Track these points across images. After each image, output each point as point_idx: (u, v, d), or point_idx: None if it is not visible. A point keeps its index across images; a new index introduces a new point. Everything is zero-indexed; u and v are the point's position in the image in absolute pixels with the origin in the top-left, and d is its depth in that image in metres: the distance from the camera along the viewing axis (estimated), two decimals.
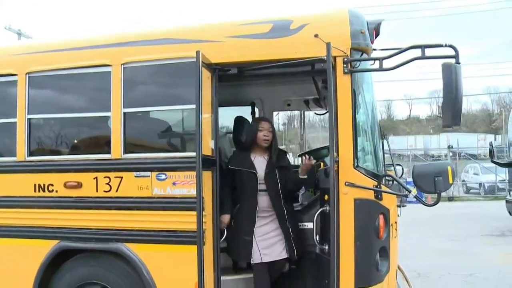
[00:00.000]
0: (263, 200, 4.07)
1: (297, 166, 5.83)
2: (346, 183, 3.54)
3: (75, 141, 4.43)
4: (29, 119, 4.25)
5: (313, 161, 4.08)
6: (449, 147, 27.01)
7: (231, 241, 4.13)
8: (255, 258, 4.00)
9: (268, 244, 4.03)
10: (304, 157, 4.10)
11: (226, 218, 4.08)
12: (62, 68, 4.23)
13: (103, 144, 4.15)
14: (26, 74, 4.25)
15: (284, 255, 4.04)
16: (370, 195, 3.62)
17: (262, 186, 4.08)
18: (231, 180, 4.16)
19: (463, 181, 25.88)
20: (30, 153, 4.27)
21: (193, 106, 3.60)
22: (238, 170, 4.12)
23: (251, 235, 4.01)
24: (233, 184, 4.17)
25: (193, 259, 3.50)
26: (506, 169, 13.76)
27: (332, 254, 3.43)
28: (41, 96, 4.37)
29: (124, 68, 4.04)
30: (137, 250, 3.92)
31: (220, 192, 3.94)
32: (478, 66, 67.44)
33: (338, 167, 3.52)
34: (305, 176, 4.06)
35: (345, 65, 3.63)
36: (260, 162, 4.16)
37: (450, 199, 21.88)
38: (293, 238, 4.04)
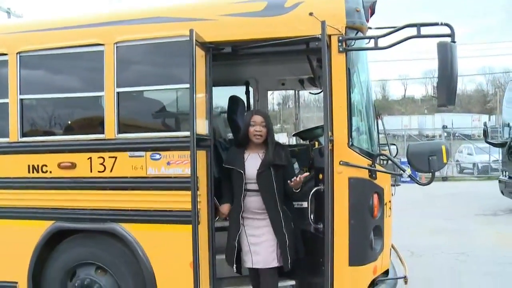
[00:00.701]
0: (254, 201, 3.77)
1: (294, 146, 5.86)
2: (341, 162, 3.54)
3: (69, 122, 4.39)
4: (21, 100, 4.21)
5: (307, 174, 3.74)
6: (444, 127, 27.07)
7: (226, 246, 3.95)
8: (246, 261, 3.83)
9: (257, 249, 3.77)
10: (294, 178, 3.58)
11: (224, 207, 3.94)
12: (54, 48, 4.16)
13: (97, 124, 4.12)
14: (17, 53, 4.19)
15: (274, 263, 3.75)
16: (365, 174, 3.63)
17: (252, 186, 3.77)
18: (228, 176, 3.96)
19: (457, 161, 26.02)
20: (23, 134, 4.24)
21: (187, 85, 3.57)
22: (230, 168, 3.87)
23: (234, 239, 3.81)
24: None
25: (188, 238, 3.52)
26: (500, 149, 13.81)
27: (327, 233, 3.45)
28: (33, 76, 4.32)
29: (117, 47, 3.99)
30: (132, 230, 3.93)
31: (222, 185, 3.97)
32: (473, 46, 67.23)
33: (332, 146, 3.52)
34: (298, 190, 3.69)
35: (340, 44, 3.60)
36: (253, 160, 3.82)
37: (444, 179, 22.02)
38: (288, 245, 3.72)
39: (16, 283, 4.24)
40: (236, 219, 3.81)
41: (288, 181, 3.60)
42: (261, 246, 3.76)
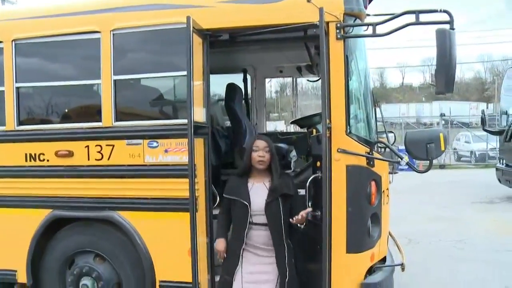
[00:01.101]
0: (259, 236, 3.46)
1: (291, 133, 5.86)
2: (339, 150, 3.54)
3: (66, 110, 4.37)
4: (17, 88, 4.19)
5: (309, 209, 3.50)
6: (441, 115, 27.03)
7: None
8: None
9: (255, 286, 3.47)
10: (297, 217, 3.36)
11: (220, 244, 3.55)
12: (50, 35, 4.14)
13: (94, 112, 4.10)
14: (12, 41, 4.16)
15: None
16: (362, 162, 3.63)
17: (258, 219, 3.45)
18: (227, 209, 3.61)
19: (455, 149, 26.05)
20: (20, 123, 4.22)
21: (185, 72, 3.54)
22: (232, 199, 3.53)
23: (231, 275, 3.48)
24: (230, 213, 3.61)
25: (186, 226, 3.52)
26: (497, 137, 13.84)
27: (324, 220, 3.45)
28: (29, 64, 4.29)
29: (113, 34, 3.97)
30: (130, 218, 3.94)
31: (218, 218, 3.68)
32: (472, 33, 67.09)
33: (330, 133, 3.51)
34: (303, 225, 3.44)
35: (338, 31, 3.58)
36: (259, 189, 3.51)
37: (442, 167, 22.08)
38: (288, 281, 3.45)
39: (15, 271, 4.27)
40: (235, 252, 3.49)
41: (291, 220, 3.37)
42: (257, 285, 3.47)
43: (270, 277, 3.47)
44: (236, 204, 3.50)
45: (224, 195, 3.60)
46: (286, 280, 3.44)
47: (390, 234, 4.72)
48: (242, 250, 3.45)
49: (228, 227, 3.64)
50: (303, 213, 3.35)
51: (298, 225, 3.41)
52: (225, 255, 3.54)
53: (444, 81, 3.44)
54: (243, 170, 3.59)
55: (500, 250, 7.06)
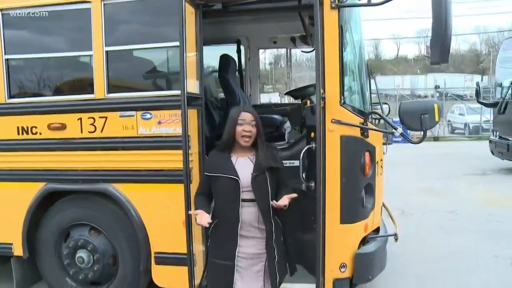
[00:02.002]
0: (248, 213, 3.09)
1: (283, 105, 5.83)
2: (333, 120, 3.52)
3: (57, 82, 4.31)
4: (6, 60, 4.12)
5: (294, 195, 3.09)
6: (436, 87, 27.00)
7: (208, 270, 3.30)
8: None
9: (249, 272, 3.15)
10: (277, 204, 3.04)
11: (203, 216, 3.04)
12: (38, 5, 4.04)
13: (86, 84, 4.05)
14: None
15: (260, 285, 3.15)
16: (356, 133, 3.62)
17: (247, 195, 3.08)
18: (207, 188, 3.22)
19: (449, 121, 26.11)
20: (11, 96, 4.17)
21: (177, 43, 3.49)
22: (215, 176, 3.14)
23: (233, 259, 3.09)
24: (210, 193, 3.22)
25: (181, 197, 3.52)
26: (491, 109, 13.85)
27: (318, 191, 3.45)
28: (18, 35, 4.20)
29: (104, 4, 3.88)
30: (124, 190, 3.94)
31: (194, 200, 3.27)
32: (468, 4, 66.30)
33: (324, 104, 3.48)
34: (286, 207, 3.07)
35: (332, 0, 3.52)
36: (243, 164, 3.15)
37: (435, 139, 22.18)
38: (277, 261, 3.14)
39: (11, 244, 4.28)
40: (233, 234, 3.09)
41: (273, 202, 3.05)
42: (252, 269, 3.15)
43: (262, 260, 3.15)
44: (221, 182, 3.10)
45: (205, 173, 3.23)
46: (276, 260, 3.13)
47: (383, 205, 4.76)
48: (238, 230, 3.08)
49: (209, 208, 3.18)
50: (286, 197, 3.05)
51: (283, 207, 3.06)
52: (216, 240, 3.20)
53: (439, 52, 3.40)
54: (225, 144, 3.18)
55: (491, 220, 7.16)
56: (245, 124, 3.11)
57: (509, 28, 42.77)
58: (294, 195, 3.07)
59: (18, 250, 4.27)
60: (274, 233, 3.13)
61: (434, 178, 11.18)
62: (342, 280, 3.70)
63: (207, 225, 3.03)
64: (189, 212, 3.17)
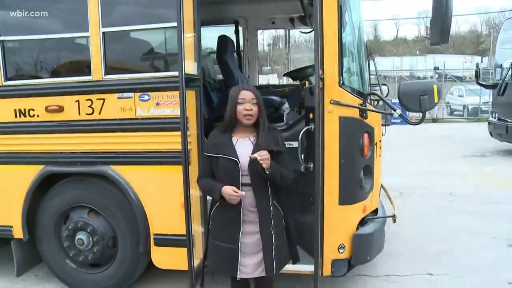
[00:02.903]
0: (247, 197, 3.02)
1: (282, 86, 5.80)
2: (331, 101, 3.50)
3: (54, 64, 4.26)
4: (2, 41, 4.08)
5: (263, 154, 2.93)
6: (435, 68, 26.87)
7: (210, 252, 3.22)
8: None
9: (253, 256, 3.09)
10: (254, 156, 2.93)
11: (228, 187, 2.97)
12: None
13: (84, 66, 4.01)
14: None
15: (263, 272, 3.09)
16: (355, 114, 3.60)
17: (246, 179, 3.02)
18: (210, 170, 3.14)
19: (448, 103, 26.08)
20: (7, 78, 4.14)
21: (175, 24, 3.45)
22: (215, 157, 3.08)
23: (236, 242, 3.04)
24: (214, 175, 3.13)
25: (179, 179, 3.52)
26: (490, 91, 13.82)
27: (317, 172, 3.44)
28: (13, 16, 4.14)
29: None
30: (122, 172, 3.93)
31: (201, 184, 3.23)
32: None
33: (323, 85, 3.46)
34: (267, 171, 2.97)
35: None
36: (243, 145, 3.07)
37: (434, 120, 22.20)
38: (275, 248, 3.07)
39: (11, 227, 4.29)
40: (236, 217, 3.04)
41: (250, 156, 2.94)
42: (251, 254, 3.09)
43: (259, 245, 3.08)
44: (221, 163, 3.04)
45: (205, 153, 3.16)
46: (273, 247, 3.05)
47: (382, 186, 4.78)
48: (241, 213, 3.03)
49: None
50: (257, 154, 2.90)
51: (265, 170, 2.95)
52: (218, 223, 3.16)
53: (439, 32, 3.38)
54: (227, 125, 3.11)
55: (489, 202, 7.19)
56: (246, 103, 3.04)
57: (511, 8, 42.44)
58: (265, 152, 2.92)
59: (18, 232, 4.28)
60: (272, 219, 3.07)
61: (432, 159, 11.21)
62: (340, 261, 3.73)
63: (243, 194, 2.94)
64: (239, 192, 2.94)
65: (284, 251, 3.19)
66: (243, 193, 2.95)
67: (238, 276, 3.07)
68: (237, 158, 2.99)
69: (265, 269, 3.07)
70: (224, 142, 3.08)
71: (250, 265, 3.08)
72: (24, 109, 4.07)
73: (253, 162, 2.95)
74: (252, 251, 3.07)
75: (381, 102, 4.31)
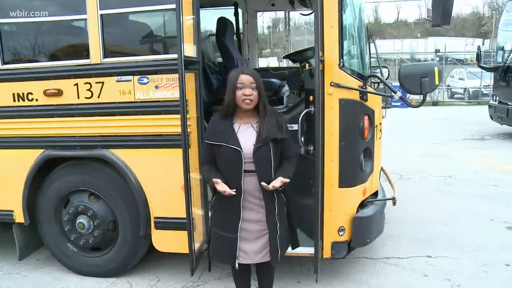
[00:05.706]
0: (250, 183, 2.98)
1: (282, 69, 5.76)
2: (332, 83, 3.48)
3: (52, 47, 4.23)
4: None
5: (287, 180, 2.97)
6: (436, 51, 26.70)
7: (212, 239, 3.21)
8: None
9: (253, 244, 3.08)
10: (266, 185, 2.93)
11: (221, 183, 2.95)
12: None
13: (82, 49, 3.98)
14: None
15: (265, 257, 3.10)
16: (355, 96, 3.58)
17: (249, 166, 2.95)
18: (211, 157, 3.09)
19: (448, 86, 25.98)
20: (5, 62, 4.11)
21: (174, 6, 3.41)
22: (217, 144, 3.01)
23: (235, 231, 3.03)
24: (215, 162, 3.09)
25: (179, 162, 3.52)
26: (492, 74, 13.74)
27: (317, 154, 3.44)
28: None
29: None
30: (122, 156, 3.93)
31: (202, 170, 3.24)
32: None
33: (323, 67, 3.43)
34: (282, 188, 3.02)
35: None
36: (246, 133, 3.01)
37: (434, 103, 22.14)
38: (279, 235, 3.07)
39: (12, 211, 4.31)
40: (236, 206, 3.00)
41: (263, 184, 2.92)
42: (253, 241, 3.07)
43: (263, 231, 3.06)
44: (223, 151, 2.97)
45: (206, 140, 3.09)
46: (278, 235, 3.05)
47: (382, 169, 4.78)
48: (241, 201, 2.99)
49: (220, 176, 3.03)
50: (279, 180, 2.93)
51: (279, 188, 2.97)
52: (218, 211, 3.15)
53: (441, 13, 3.35)
54: (226, 111, 3.02)
55: (488, 185, 7.20)
56: (245, 88, 2.94)
57: None
58: (287, 180, 2.96)
59: (19, 217, 4.30)
60: (276, 207, 3.05)
61: (432, 143, 11.21)
62: (340, 243, 3.75)
63: (234, 193, 2.91)
64: (213, 179, 2.95)
65: (286, 238, 3.19)
66: (234, 192, 2.91)
67: (237, 263, 3.06)
68: (240, 147, 2.93)
69: (271, 258, 3.07)
70: (226, 129, 3.01)
71: (251, 251, 3.06)
72: (23, 93, 4.05)
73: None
74: (253, 237, 3.05)
75: (381, 85, 4.29)
